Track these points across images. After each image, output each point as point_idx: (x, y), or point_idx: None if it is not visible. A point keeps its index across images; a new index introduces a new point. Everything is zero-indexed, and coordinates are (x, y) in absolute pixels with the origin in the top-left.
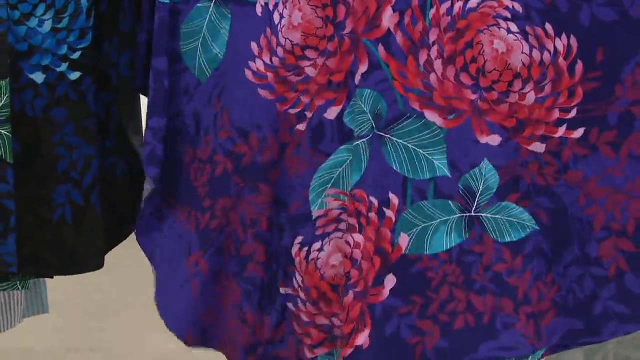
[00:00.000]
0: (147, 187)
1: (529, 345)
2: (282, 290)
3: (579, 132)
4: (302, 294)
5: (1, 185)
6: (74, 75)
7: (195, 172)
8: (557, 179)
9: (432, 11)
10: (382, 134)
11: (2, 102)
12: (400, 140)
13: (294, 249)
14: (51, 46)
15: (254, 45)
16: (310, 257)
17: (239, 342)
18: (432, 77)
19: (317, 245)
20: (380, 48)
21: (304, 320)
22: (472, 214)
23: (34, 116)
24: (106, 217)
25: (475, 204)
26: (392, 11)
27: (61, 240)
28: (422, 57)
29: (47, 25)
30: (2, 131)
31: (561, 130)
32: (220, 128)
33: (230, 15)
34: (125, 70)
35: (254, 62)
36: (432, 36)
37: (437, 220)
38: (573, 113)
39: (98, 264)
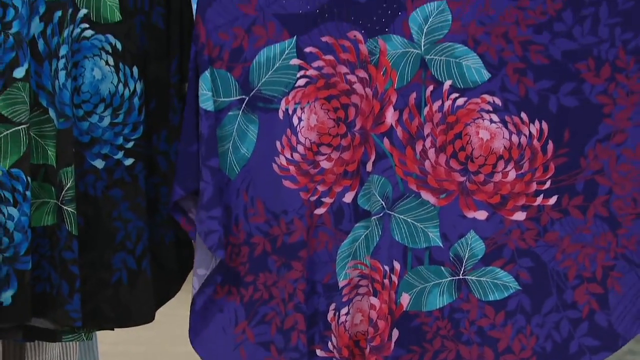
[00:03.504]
0: (201, 274)
1: None
2: (318, 352)
3: (553, 200)
4: (336, 354)
5: (68, 254)
6: (128, 162)
7: (230, 255)
8: (537, 240)
9: (427, 109)
10: (389, 212)
11: (69, 185)
12: (402, 216)
13: (330, 315)
14: (110, 138)
15: (277, 143)
16: (340, 321)
17: None
18: (427, 164)
19: (344, 310)
20: (386, 141)
21: None
22: (460, 277)
23: (95, 195)
24: (156, 279)
25: (462, 268)
26: (393, 110)
27: (118, 299)
28: (419, 147)
29: (106, 121)
30: (69, 209)
31: (539, 200)
32: (253, 215)
33: (258, 121)
34: (175, 157)
35: (279, 157)
36: (427, 129)
37: (432, 283)
38: (547, 184)
39: (149, 319)
